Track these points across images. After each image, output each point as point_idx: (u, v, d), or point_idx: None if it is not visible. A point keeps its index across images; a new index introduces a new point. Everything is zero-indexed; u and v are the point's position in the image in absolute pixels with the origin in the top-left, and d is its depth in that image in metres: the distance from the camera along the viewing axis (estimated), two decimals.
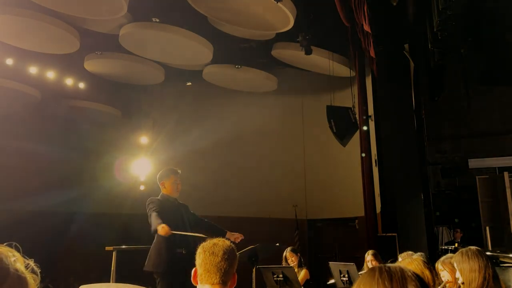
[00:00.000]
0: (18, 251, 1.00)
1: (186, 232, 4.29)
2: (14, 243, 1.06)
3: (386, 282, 1.03)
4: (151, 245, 4.49)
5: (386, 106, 7.72)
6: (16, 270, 0.95)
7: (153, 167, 11.00)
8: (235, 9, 7.43)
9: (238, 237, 4.55)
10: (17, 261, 0.97)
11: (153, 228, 4.13)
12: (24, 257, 1.00)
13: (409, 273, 1.06)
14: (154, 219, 4.16)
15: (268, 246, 5.15)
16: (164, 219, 4.13)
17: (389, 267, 1.08)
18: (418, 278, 1.06)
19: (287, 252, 5.93)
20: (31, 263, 1.01)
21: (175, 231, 4.17)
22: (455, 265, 2.60)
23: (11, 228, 8.21)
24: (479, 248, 2.59)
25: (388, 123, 7.60)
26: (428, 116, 8.35)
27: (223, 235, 4.52)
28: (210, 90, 11.03)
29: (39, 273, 1.01)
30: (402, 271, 1.06)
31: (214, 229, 4.70)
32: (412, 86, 7.68)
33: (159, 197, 4.50)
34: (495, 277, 2.46)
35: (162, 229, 3.99)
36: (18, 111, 10.23)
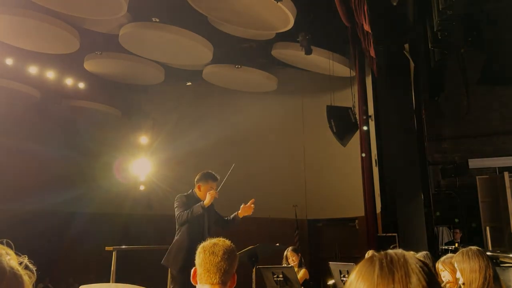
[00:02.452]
0: (11, 248, 0.99)
1: (204, 235, 4.34)
2: (5, 240, 1.05)
3: (386, 279, 0.90)
4: (150, 245, 4.52)
5: (386, 106, 7.71)
6: (12, 268, 0.94)
7: (153, 167, 11.01)
8: (235, 9, 7.42)
9: (250, 206, 4.62)
10: (11, 258, 0.96)
11: (196, 212, 4.24)
12: (17, 254, 0.99)
13: (413, 266, 0.92)
14: (189, 211, 4.29)
15: (268, 246, 5.15)
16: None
17: (391, 259, 0.93)
18: (424, 270, 0.92)
19: (288, 252, 5.93)
20: (25, 260, 1.00)
21: (195, 233, 4.28)
22: (455, 265, 2.59)
23: (11, 228, 8.20)
24: (479, 248, 2.58)
25: (388, 123, 7.59)
26: (428, 116, 8.35)
27: (237, 219, 4.65)
28: (210, 90, 11.03)
29: (34, 271, 1.00)
30: (405, 265, 0.92)
31: (227, 222, 4.76)
32: (412, 86, 7.68)
33: (186, 194, 4.52)
34: (496, 278, 2.46)
35: (208, 198, 4.18)
36: (18, 111, 10.23)
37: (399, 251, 0.97)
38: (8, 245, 1.00)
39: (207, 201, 4.22)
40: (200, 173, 4.56)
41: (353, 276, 0.96)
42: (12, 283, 0.92)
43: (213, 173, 4.57)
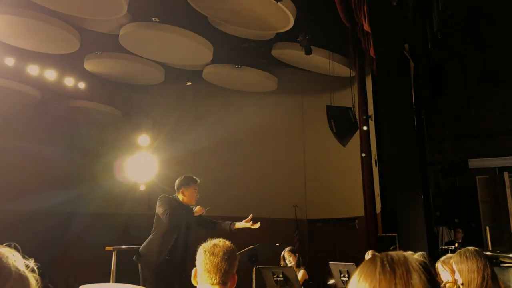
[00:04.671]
0: (18, 251, 1.00)
1: (178, 239, 4.35)
2: (13, 244, 1.07)
3: (388, 275, 0.94)
4: None
5: (386, 106, 7.70)
6: (18, 269, 0.96)
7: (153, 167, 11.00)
8: (235, 9, 7.43)
9: (247, 223, 4.55)
10: (18, 261, 0.98)
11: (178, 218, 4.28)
12: (24, 257, 1.01)
13: (414, 264, 0.96)
14: (174, 214, 4.32)
15: (268, 246, 5.16)
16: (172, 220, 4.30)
17: (391, 258, 0.98)
18: (425, 268, 0.96)
19: (285, 253, 5.93)
20: (31, 263, 1.01)
21: (176, 235, 4.32)
22: (453, 266, 2.60)
23: (11, 228, 8.22)
24: (477, 249, 2.59)
25: (388, 123, 7.59)
26: (428, 116, 8.35)
27: (228, 227, 4.60)
28: (210, 90, 11.03)
29: (38, 274, 1.02)
30: (406, 263, 0.96)
31: (215, 224, 4.73)
32: (412, 86, 7.68)
33: (170, 196, 4.52)
34: (494, 277, 2.47)
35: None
36: (18, 111, 10.23)
37: (399, 251, 1.02)
38: (16, 249, 1.02)
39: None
40: (180, 179, 4.54)
41: (355, 276, 0.99)
42: (18, 284, 0.94)
43: (192, 176, 4.57)
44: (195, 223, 4.59)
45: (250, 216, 4.55)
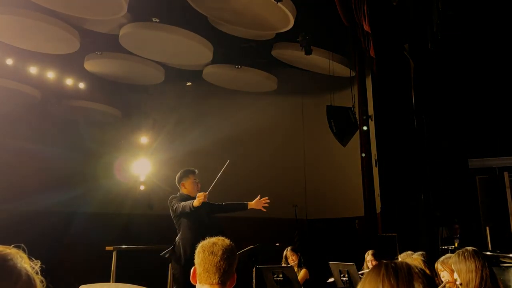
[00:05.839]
0: (25, 253, 1.02)
1: (201, 228, 4.37)
2: (22, 245, 1.08)
3: (391, 279, 1.01)
4: (150, 245, 4.60)
5: (386, 106, 7.72)
6: (26, 270, 0.98)
7: (153, 167, 11.01)
8: (235, 9, 7.43)
9: (262, 201, 4.71)
10: (25, 262, 1.00)
11: (185, 208, 4.31)
12: (31, 259, 1.02)
13: (416, 270, 1.04)
14: (182, 205, 4.36)
15: (268, 246, 5.18)
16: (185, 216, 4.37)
17: (395, 263, 1.06)
18: (425, 275, 1.04)
19: (288, 251, 5.94)
20: (37, 265, 1.03)
21: (199, 227, 4.36)
22: (452, 266, 2.61)
23: (11, 228, 8.22)
24: (475, 249, 2.60)
25: (388, 123, 7.60)
26: (428, 116, 8.36)
27: (244, 207, 4.72)
28: (210, 90, 11.03)
29: (41, 275, 1.03)
30: (408, 267, 1.05)
31: (223, 207, 4.78)
32: (412, 86, 7.68)
33: (177, 195, 4.61)
34: (493, 277, 2.47)
35: (197, 200, 4.19)
36: (18, 111, 10.23)
37: (403, 260, 1.13)
38: (23, 250, 1.03)
39: (196, 203, 4.23)
40: (178, 174, 4.68)
41: (362, 280, 1.10)
42: (26, 285, 0.95)
43: (189, 168, 4.71)
44: (211, 211, 4.61)
45: (259, 197, 4.72)
